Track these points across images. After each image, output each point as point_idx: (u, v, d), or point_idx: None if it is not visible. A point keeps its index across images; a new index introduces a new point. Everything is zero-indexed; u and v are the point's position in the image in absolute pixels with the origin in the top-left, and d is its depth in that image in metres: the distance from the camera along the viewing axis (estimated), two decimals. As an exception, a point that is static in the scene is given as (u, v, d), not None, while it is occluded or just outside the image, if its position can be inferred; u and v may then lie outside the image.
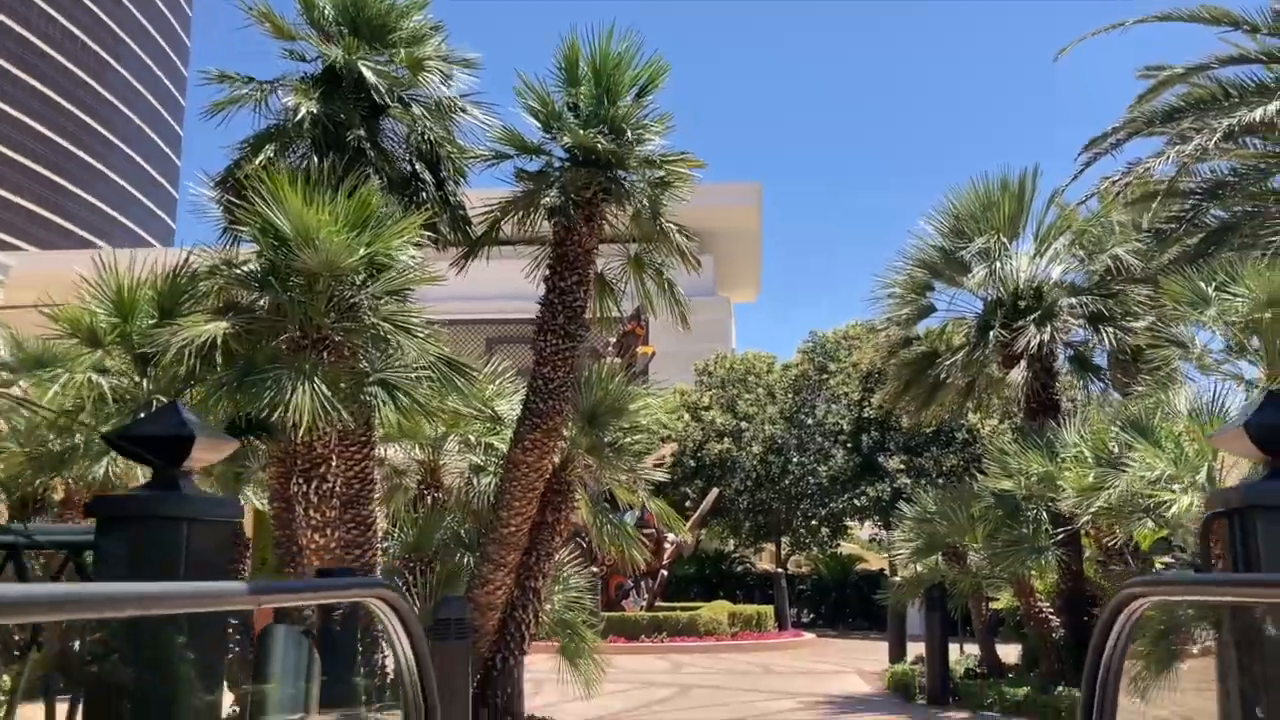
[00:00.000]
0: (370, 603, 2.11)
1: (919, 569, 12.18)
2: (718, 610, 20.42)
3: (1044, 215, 12.31)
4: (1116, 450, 8.79)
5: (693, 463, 27.39)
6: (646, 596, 21.86)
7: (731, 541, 31.48)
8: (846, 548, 32.13)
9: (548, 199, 7.58)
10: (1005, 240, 11.78)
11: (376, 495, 7.79)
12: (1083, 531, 10.45)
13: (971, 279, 11.86)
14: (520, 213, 7.75)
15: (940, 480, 24.10)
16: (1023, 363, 11.25)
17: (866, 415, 25.78)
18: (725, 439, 27.30)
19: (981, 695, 11.07)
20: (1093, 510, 8.83)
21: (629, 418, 8.13)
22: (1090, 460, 9.74)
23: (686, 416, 28.03)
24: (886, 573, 29.25)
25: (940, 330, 12.96)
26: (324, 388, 6.23)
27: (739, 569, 31.71)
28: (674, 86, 8.05)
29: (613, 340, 24.46)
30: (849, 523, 28.60)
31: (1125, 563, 10.07)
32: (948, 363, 11.45)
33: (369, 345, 6.80)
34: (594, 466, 8.12)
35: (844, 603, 29.43)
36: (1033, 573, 10.73)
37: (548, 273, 7.75)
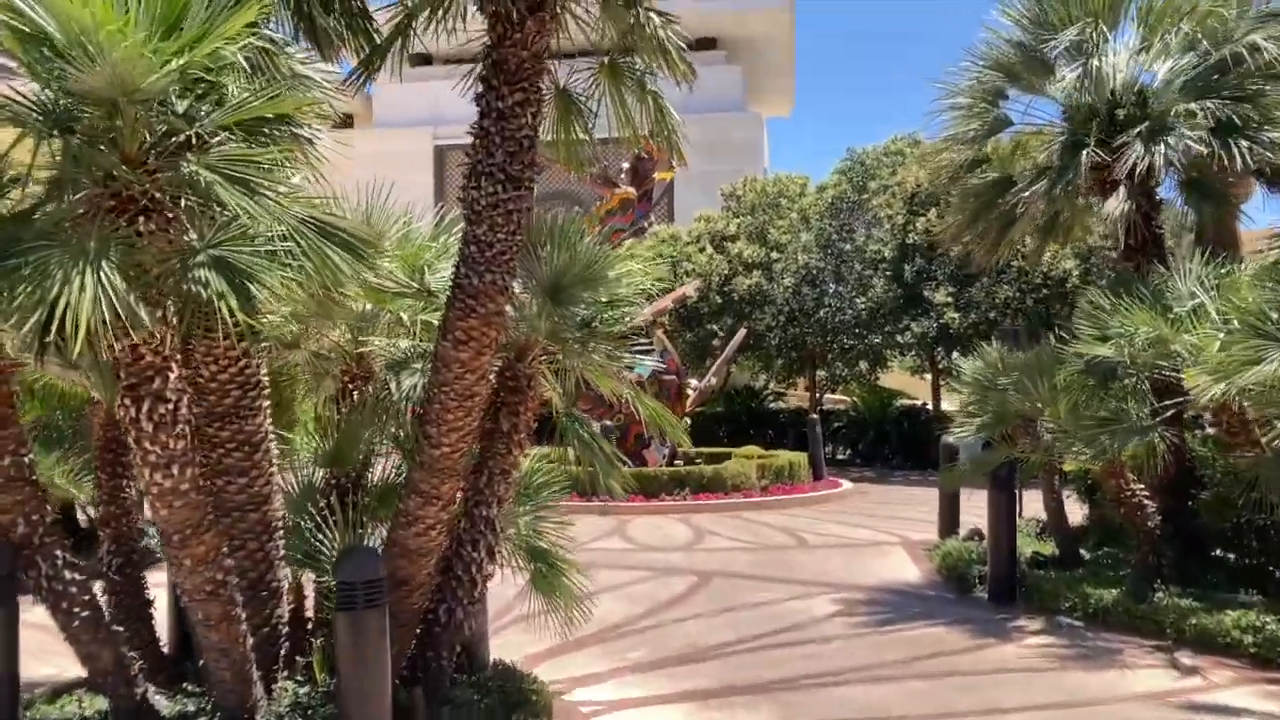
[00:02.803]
0: None
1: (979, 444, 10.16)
2: (745, 463, 18.70)
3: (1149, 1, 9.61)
4: (1277, 316, 6.53)
5: (719, 298, 25.23)
6: (669, 446, 20.18)
7: (763, 377, 29.71)
8: (886, 380, 30.28)
9: (475, -22, 5.20)
10: (1105, 29, 9.14)
11: (264, 403, 5.75)
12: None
13: (1058, 82, 9.31)
14: (436, 2, 5.37)
15: (993, 314, 21.88)
16: (1122, 190, 8.85)
17: (911, 241, 23.31)
18: (755, 271, 24.98)
19: (1057, 595, 9.22)
20: (1234, 390, 6.66)
21: (606, 288, 5.95)
22: (1216, 320, 7.53)
23: (710, 249, 25.70)
24: (929, 406, 27.48)
25: (1012, 148, 10.45)
26: (115, 277, 4.09)
27: (771, 406, 30.05)
28: None
29: (625, 166, 21.97)
30: (889, 355, 26.54)
31: (1254, 443, 7.99)
32: (1026, 192, 9.05)
33: (210, 207, 4.63)
34: (558, 356, 6.01)
35: (883, 438, 27.80)
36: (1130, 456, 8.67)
37: (481, 89, 5.43)
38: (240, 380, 5.60)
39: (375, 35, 5.78)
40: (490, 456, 5.99)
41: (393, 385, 6.04)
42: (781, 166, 29.72)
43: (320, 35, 5.59)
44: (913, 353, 25.13)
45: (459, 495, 5.94)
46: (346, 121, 41.28)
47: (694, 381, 21.34)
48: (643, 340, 6.18)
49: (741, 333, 22.38)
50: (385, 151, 36.54)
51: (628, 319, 6.16)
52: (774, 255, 25.31)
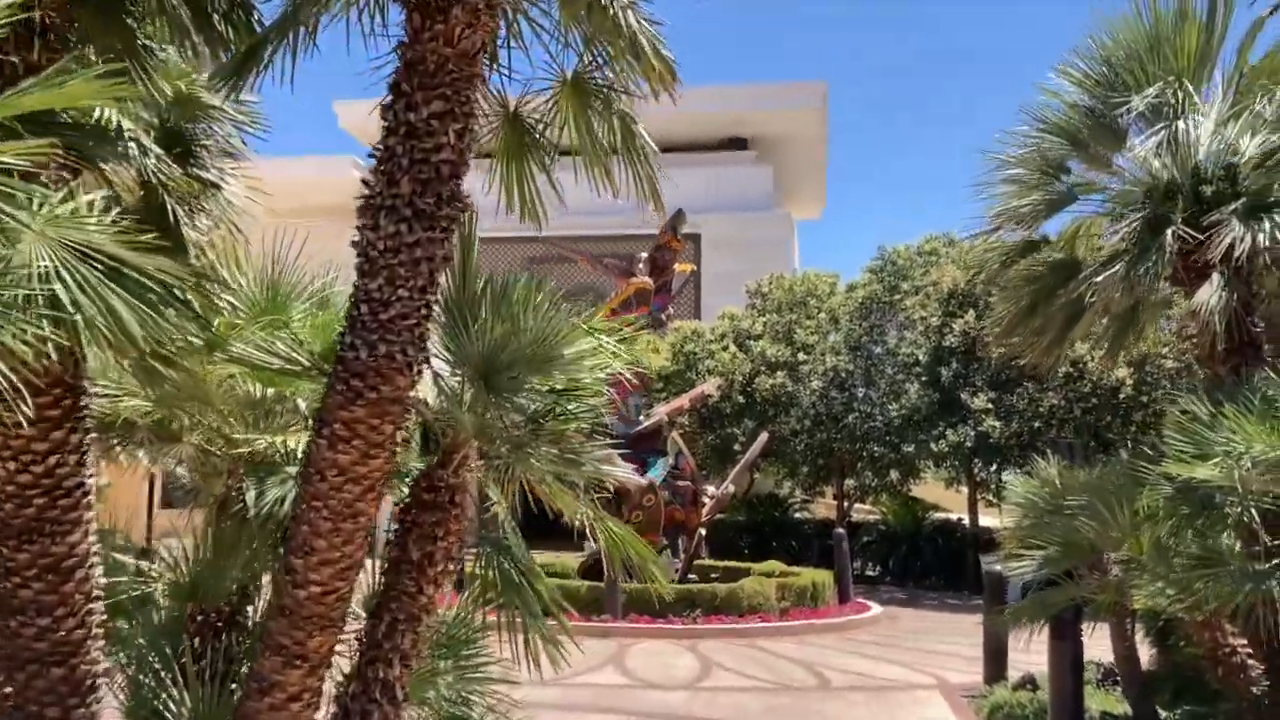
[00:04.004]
0: None
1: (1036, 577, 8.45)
2: (764, 582, 16.88)
3: (1241, 58, 8.20)
4: None
5: (742, 399, 23.66)
6: (682, 559, 18.39)
7: (788, 485, 27.94)
8: (918, 491, 28.41)
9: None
10: (1190, 89, 7.71)
11: (86, 514, 4.24)
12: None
13: (1130, 152, 7.86)
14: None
15: (1037, 424, 20.15)
16: (1215, 278, 7.30)
17: (947, 344, 21.74)
18: (779, 371, 23.45)
19: (1140, 776, 7.39)
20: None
21: (561, 371, 4.46)
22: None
23: (733, 346, 24.26)
24: (965, 521, 25.53)
25: (1073, 232, 8.94)
26: None
27: (796, 515, 28.17)
28: None
29: (644, 256, 20.72)
30: (922, 465, 24.76)
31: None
32: (1101, 276, 7.50)
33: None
34: (491, 462, 4.50)
35: (916, 553, 25.79)
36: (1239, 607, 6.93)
37: (389, 98, 4.06)
38: (48, 484, 4.10)
39: (259, 28, 4.41)
40: (394, 596, 4.42)
41: (249, 497, 4.50)
42: (810, 267, 28.40)
43: (174, 25, 4.22)
44: (947, 463, 23.33)
45: (350, 649, 4.38)
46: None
47: (711, 488, 19.67)
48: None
49: (764, 436, 20.79)
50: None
51: (589, 412, 4.64)
52: (801, 356, 23.82)
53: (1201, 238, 7.28)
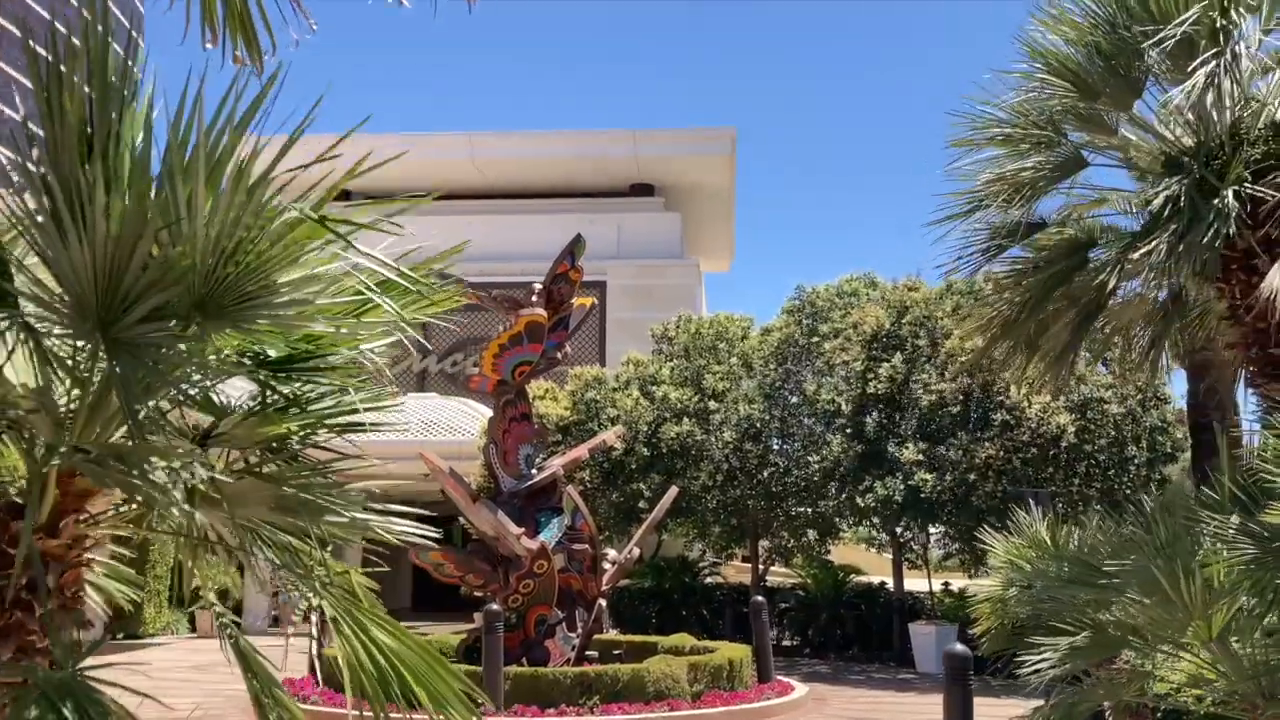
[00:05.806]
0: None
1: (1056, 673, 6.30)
2: (673, 662, 14.45)
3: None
4: None
5: (647, 451, 21.37)
6: (580, 633, 15.86)
7: (698, 546, 25.67)
8: (835, 553, 26.41)
9: None
10: (1240, 15, 5.80)
11: None
12: None
13: (1173, 94, 5.89)
14: None
15: (972, 476, 18.30)
16: (1288, 258, 5.35)
17: (871, 391, 19.85)
18: (685, 419, 21.26)
19: None
20: None
21: (280, 314, 2.18)
22: None
23: (637, 393, 22.03)
24: (889, 585, 23.56)
25: (1062, 220, 6.94)
26: None
27: (708, 580, 25.84)
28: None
29: (538, 287, 18.41)
30: (843, 525, 22.79)
31: None
32: (1137, 252, 5.44)
33: None
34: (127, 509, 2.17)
35: (837, 621, 23.64)
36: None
37: None
38: None
39: None
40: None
41: None
42: (723, 311, 26.60)
43: None
44: (871, 520, 21.35)
45: None
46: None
47: (612, 552, 17.24)
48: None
49: (673, 491, 18.47)
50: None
51: (341, 406, 2.32)
52: (711, 404, 21.68)
53: (1278, 195, 5.30)
